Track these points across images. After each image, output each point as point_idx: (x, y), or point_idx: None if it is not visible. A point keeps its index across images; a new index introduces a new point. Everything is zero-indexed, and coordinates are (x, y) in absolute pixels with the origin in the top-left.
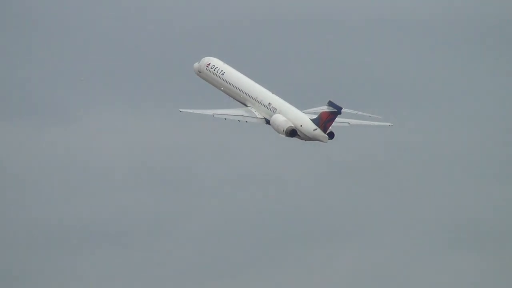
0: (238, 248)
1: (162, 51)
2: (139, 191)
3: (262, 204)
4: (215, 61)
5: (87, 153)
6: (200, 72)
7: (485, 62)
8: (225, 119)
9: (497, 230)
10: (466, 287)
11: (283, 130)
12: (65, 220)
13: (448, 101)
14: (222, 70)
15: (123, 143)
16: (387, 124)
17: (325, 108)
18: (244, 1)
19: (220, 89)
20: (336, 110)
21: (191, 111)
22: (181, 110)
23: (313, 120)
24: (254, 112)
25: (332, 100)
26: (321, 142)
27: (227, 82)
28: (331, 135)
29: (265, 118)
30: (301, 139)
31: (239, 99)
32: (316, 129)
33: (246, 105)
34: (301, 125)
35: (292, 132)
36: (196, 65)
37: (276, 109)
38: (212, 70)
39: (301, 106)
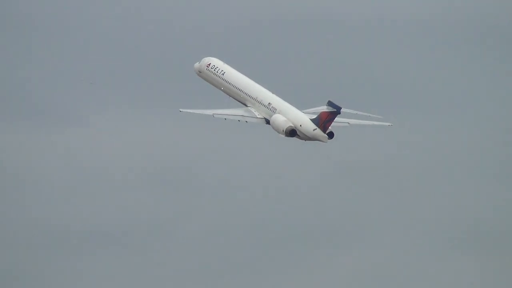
0: (238, 248)
1: (163, 52)
2: (139, 191)
3: (261, 204)
4: (215, 61)
5: (86, 154)
6: (200, 72)
7: (484, 62)
8: (225, 119)
9: (498, 230)
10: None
11: (283, 130)
12: (65, 220)
13: (448, 101)
14: (222, 70)
15: (123, 143)
16: (387, 124)
17: (324, 108)
18: (244, 1)
19: (221, 89)
20: (335, 110)
21: (191, 111)
22: (181, 110)
23: (313, 120)
24: (254, 112)
25: (331, 100)
26: (320, 142)
27: (227, 82)
28: (330, 135)
29: (265, 118)
30: (301, 139)
31: (239, 99)
32: (316, 129)
33: (246, 105)
34: (300, 125)
35: (292, 132)
36: (196, 65)
37: (276, 109)
38: (213, 70)
39: (300, 106)
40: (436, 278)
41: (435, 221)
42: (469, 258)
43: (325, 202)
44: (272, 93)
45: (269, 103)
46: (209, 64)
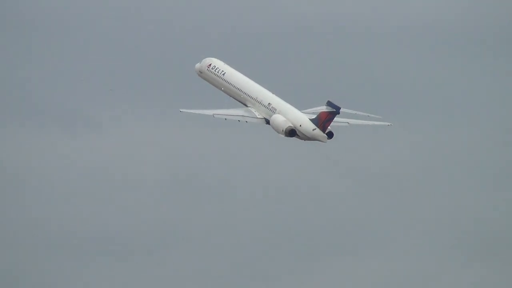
0: (237, 247)
1: (164, 52)
2: (138, 191)
3: (261, 203)
4: (216, 62)
5: (86, 154)
6: (201, 72)
7: (484, 62)
8: (225, 119)
9: (498, 230)
10: None
11: (283, 130)
12: (62, 222)
13: (448, 101)
14: (222, 71)
15: (123, 143)
16: (386, 124)
17: (324, 108)
18: (244, 2)
19: (221, 90)
20: (334, 110)
21: (191, 111)
22: (181, 110)
23: (312, 120)
24: (254, 112)
25: (331, 100)
26: (320, 142)
27: (227, 82)
28: (330, 135)
29: (265, 118)
30: (301, 139)
31: (240, 99)
32: (315, 129)
33: (246, 105)
34: (300, 125)
35: (291, 132)
36: (197, 65)
37: (275, 109)
38: (213, 70)
39: (300, 106)
40: (435, 278)
41: (435, 221)
42: (469, 258)
43: (325, 202)
44: (272, 93)
45: (269, 103)
46: (210, 65)
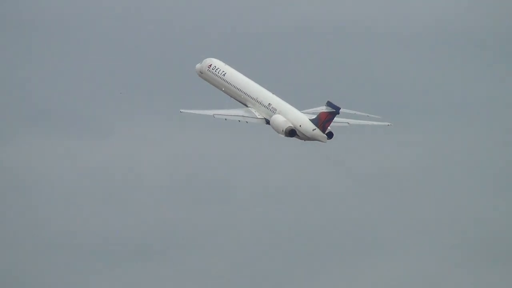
0: (237, 247)
1: (164, 52)
2: (138, 191)
3: (261, 203)
4: (216, 62)
5: (86, 154)
6: (202, 73)
7: (484, 62)
8: (226, 119)
9: (499, 230)
10: None
11: (283, 130)
12: (62, 222)
13: (447, 101)
14: (223, 71)
15: (123, 143)
16: (386, 124)
17: (323, 108)
18: (244, 2)
19: (222, 90)
20: (334, 110)
21: (191, 111)
22: (181, 110)
23: (312, 120)
24: (254, 113)
25: (330, 100)
26: (320, 142)
27: (228, 82)
28: (330, 135)
29: (265, 119)
30: (300, 139)
31: (240, 99)
32: (315, 129)
33: (246, 106)
34: (300, 125)
35: (291, 132)
36: (198, 66)
37: (275, 110)
38: (214, 71)
39: (300, 106)
40: (436, 278)
41: (435, 221)
42: (469, 259)
43: (325, 202)
44: (272, 93)
45: (269, 103)
46: (210, 65)
